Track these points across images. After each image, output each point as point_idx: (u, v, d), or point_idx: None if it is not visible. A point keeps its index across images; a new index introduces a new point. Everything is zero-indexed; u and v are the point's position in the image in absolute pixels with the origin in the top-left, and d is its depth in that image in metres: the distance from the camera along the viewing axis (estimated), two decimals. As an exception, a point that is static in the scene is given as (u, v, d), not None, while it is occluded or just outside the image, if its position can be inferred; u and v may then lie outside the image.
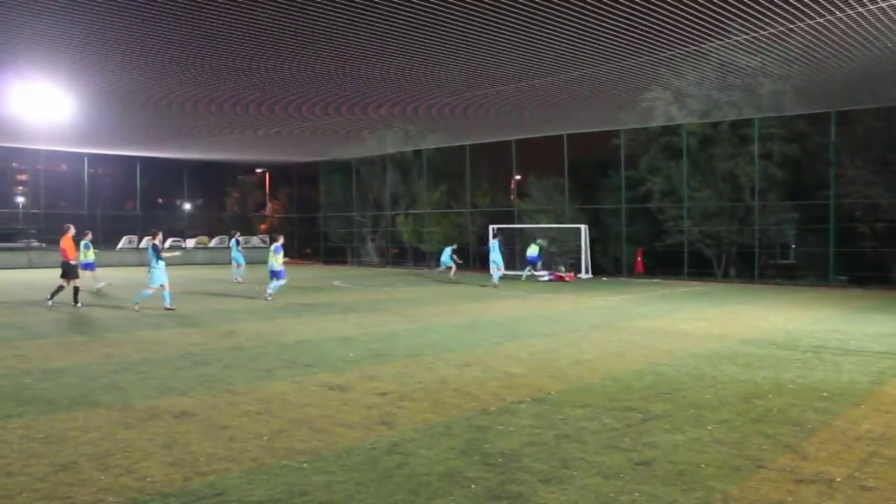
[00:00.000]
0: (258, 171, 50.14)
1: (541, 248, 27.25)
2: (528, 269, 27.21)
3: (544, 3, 12.74)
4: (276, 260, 17.97)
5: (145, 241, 37.47)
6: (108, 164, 50.60)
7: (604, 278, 28.49)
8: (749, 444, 5.71)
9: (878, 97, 21.80)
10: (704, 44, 15.41)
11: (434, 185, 37.52)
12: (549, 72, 18.04)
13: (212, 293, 20.18)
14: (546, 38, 14.98)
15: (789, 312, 16.18)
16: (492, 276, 23.49)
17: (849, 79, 18.59)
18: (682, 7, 12.96)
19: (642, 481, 4.83)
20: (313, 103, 22.43)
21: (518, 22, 13.86)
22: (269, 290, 18.04)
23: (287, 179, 48.24)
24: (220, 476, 4.88)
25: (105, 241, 35.78)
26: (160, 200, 54.67)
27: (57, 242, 18.34)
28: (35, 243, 38.36)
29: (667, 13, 13.28)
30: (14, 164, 58.07)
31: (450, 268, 26.65)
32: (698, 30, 14.36)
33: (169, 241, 34.66)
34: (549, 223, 32.19)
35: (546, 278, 26.86)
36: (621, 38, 14.96)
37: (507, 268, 25.53)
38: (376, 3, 12.85)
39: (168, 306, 15.29)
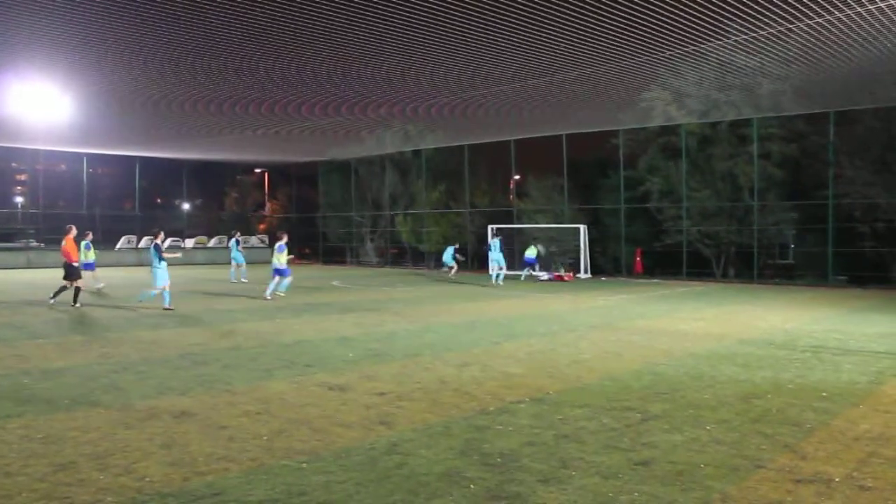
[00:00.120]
0: (257, 170, 50.11)
1: (538, 254, 27.30)
2: (526, 269, 27.25)
3: (543, 3, 12.74)
4: (280, 258, 18.05)
5: (144, 241, 37.54)
6: (107, 164, 50.52)
7: (603, 278, 28.50)
8: (748, 444, 5.72)
9: (876, 97, 21.81)
10: (703, 44, 15.41)
11: (433, 185, 37.51)
12: (548, 72, 18.05)
13: (211, 293, 20.18)
14: (545, 38, 14.98)
15: (788, 312, 16.19)
16: (491, 275, 23.49)
17: (847, 79, 18.61)
18: (681, 7, 12.97)
19: (641, 481, 4.84)
20: (312, 103, 22.42)
21: (517, 22, 13.86)
22: (270, 290, 18.07)
23: (286, 179, 48.23)
24: (218, 476, 4.88)
25: (104, 241, 35.73)
26: (159, 200, 54.60)
27: (56, 242, 18.34)
28: (34, 243, 38.31)
29: (666, 13, 13.28)
30: (13, 164, 57.93)
31: (451, 267, 26.73)
32: (697, 30, 14.37)
33: (168, 241, 34.61)
34: (548, 223, 32.19)
35: (545, 277, 26.92)
36: (620, 38, 14.97)
37: (506, 268, 25.54)
38: (375, 3, 12.85)
39: (167, 306, 15.29)
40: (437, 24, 14.09)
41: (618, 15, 13.33)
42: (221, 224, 46.21)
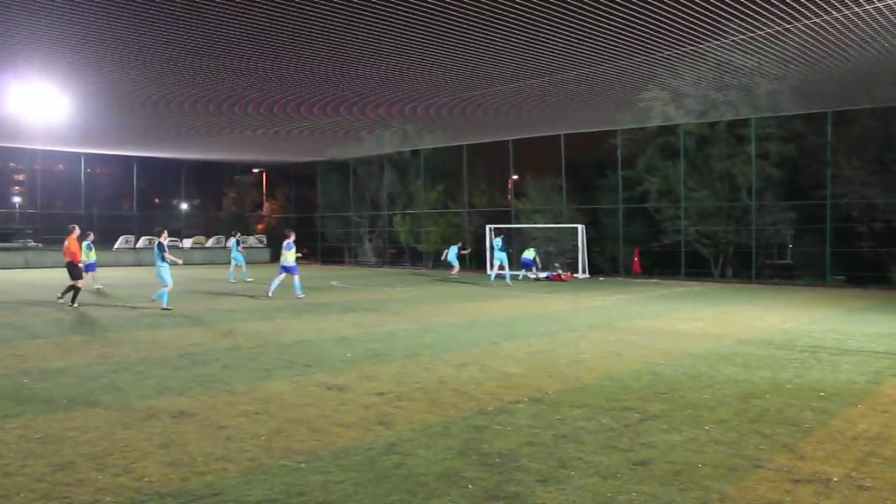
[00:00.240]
0: (255, 170, 50.07)
1: (534, 257, 27.34)
2: (523, 270, 27.29)
3: (542, 3, 12.75)
4: (288, 256, 18.18)
5: (142, 241, 37.51)
6: (105, 164, 50.46)
7: (601, 278, 28.52)
8: (746, 444, 5.73)
9: (874, 97, 21.84)
10: (701, 44, 15.43)
11: (431, 185, 37.50)
12: (547, 72, 18.05)
13: (210, 293, 20.17)
14: (543, 38, 14.99)
15: (786, 312, 16.21)
16: (490, 274, 23.49)
17: (845, 79, 18.63)
18: (679, 7, 12.98)
19: (640, 481, 4.84)
20: (311, 103, 22.42)
21: (515, 22, 13.87)
22: (272, 287, 18.18)
23: (284, 179, 48.18)
24: (217, 476, 4.88)
25: (101, 241, 35.66)
26: (157, 200, 54.51)
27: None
28: (32, 243, 38.27)
29: (664, 13, 13.28)
30: (11, 164, 57.85)
31: (453, 266, 26.84)
32: (695, 30, 14.38)
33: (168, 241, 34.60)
34: (546, 223, 32.20)
35: (543, 276, 26.99)
36: (618, 38, 14.98)
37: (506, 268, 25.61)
38: (374, 3, 12.85)
39: (165, 306, 15.30)
40: (435, 25, 14.09)
41: (616, 15, 13.34)
42: (219, 224, 46.16)
